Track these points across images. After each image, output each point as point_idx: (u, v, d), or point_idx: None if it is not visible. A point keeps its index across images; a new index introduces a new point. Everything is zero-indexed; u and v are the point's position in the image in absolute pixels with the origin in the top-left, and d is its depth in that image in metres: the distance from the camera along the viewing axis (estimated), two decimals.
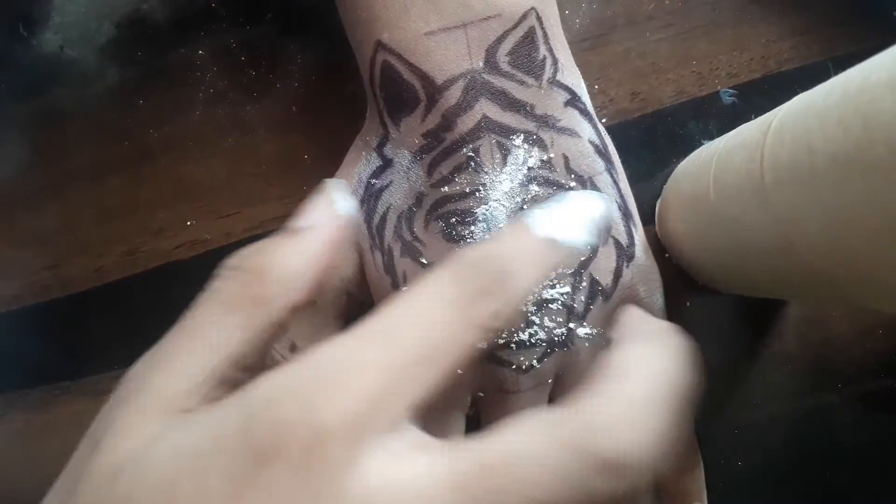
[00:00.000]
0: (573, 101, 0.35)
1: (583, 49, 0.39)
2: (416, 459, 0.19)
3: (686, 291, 0.37)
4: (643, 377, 0.22)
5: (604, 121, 0.39)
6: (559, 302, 0.34)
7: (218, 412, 0.20)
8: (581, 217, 0.26)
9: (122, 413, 0.22)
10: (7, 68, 0.43)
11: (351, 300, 0.37)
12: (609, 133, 0.38)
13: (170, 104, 0.42)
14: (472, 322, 0.21)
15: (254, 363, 0.23)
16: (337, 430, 0.18)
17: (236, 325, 0.22)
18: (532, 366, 0.33)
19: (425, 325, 0.21)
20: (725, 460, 0.37)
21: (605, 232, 0.30)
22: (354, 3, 0.33)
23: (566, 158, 0.34)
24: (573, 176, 0.34)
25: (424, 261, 0.34)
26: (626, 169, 0.38)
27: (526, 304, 0.33)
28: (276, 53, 0.41)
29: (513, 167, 0.33)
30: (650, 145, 0.38)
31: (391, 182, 0.35)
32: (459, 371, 0.21)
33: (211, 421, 0.20)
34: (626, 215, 0.35)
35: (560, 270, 0.27)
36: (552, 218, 0.25)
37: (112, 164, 0.42)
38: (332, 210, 0.25)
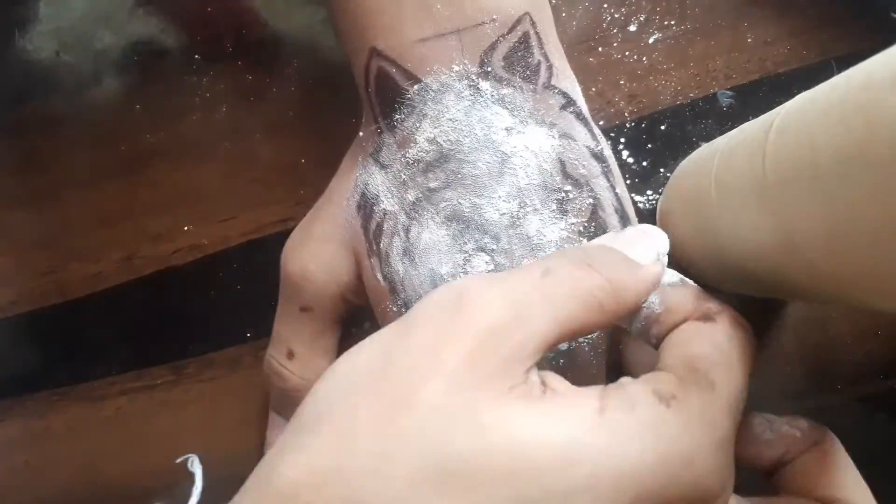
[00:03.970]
0: (568, 105, 0.34)
1: (580, 51, 0.39)
2: None
3: None
4: None
5: (601, 123, 0.39)
6: None
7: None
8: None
9: None
10: (3, 73, 0.43)
11: (348, 306, 0.37)
12: (606, 135, 0.38)
13: (166, 109, 0.42)
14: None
15: None
16: None
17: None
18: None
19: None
20: None
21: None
22: (348, 11, 0.33)
23: (562, 163, 0.34)
24: (569, 180, 0.34)
25: (420, 266, 0.34)
26: (624, 171, 0.38)
27: None
28: (273, 58, 0.41)
29: (508, 172, 0.33)
30: (648, 147, 0.38)
31: (387, 188, 0.35)
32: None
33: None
34: (623, 218, 0.35)
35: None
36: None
37: (109, 170, 0.42)
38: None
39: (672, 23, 0.39)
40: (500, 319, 0.23)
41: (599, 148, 0.35)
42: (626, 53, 0.39)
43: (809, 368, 0.37)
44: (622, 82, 0.39)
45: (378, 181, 0.35)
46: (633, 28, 0.39)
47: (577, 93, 0.35)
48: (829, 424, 0.37)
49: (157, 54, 0.42)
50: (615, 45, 0.39)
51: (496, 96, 0.33)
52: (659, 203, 0.38)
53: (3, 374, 0.43)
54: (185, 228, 0.41)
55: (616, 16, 0.39)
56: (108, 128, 0.42)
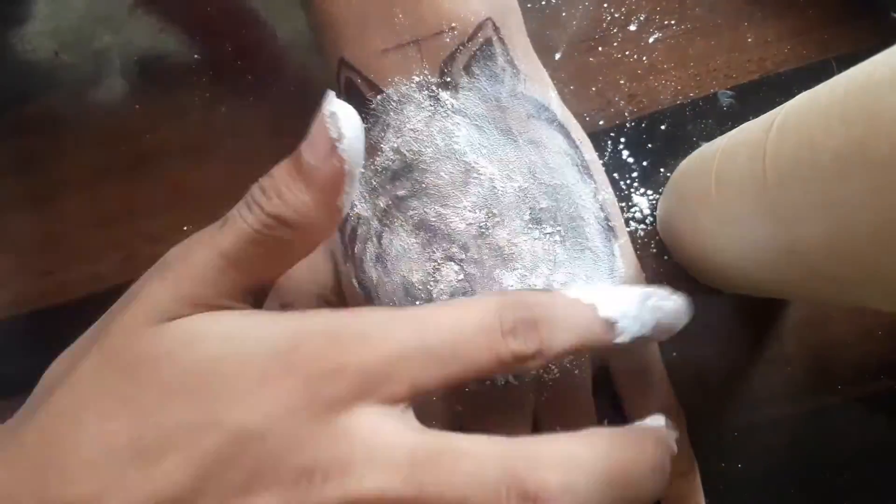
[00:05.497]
0: (538, 112, 0.34)
1: (580, 51, 0.39)
2: (392, 425, 0.23)
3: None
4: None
5: (601, 123, 0.39)
6: None
7: (272, 323, 0.24)
8: (641, 309, 0.28)
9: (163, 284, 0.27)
10: (3, 73, 0.42)
11: (332, 307, 0.37)
12: (606, 135, 0.38)
13: (166, 109, 0.42)
14: (493, 350, 0.24)
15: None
16: (350, 376, 0.23)
17: (261, 254, 0.26)
18: (508, 381, 0.33)
19: (455, 333, 0.24)
20: (725, 462, 0.37)
21: (666, 332, 0.30)
22: (321, 23, 0.33)
23: (532, 172, 0.33)
24: (542, 189, 0.33)
25: (393, 273, 0.34)
26: (624, 171, 0.38)
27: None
28: (273, 57, 0.41)
29: (473, 182, 0.33)
30: (648, 147, 0.38)
31: (360, 192, 0.35)
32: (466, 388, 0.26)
33: (266, 325, 0.24)
34: (605, 228, 0.35)
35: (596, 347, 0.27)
36: (610, 298, 0.27)
37: (108, 170, 0.42)
38: (336, 152, 0.25)
39: (672, 22, 0.39)
40: None
41: (578, 154, 0.35)
42: (626, 53, 0.39)
43: (809, 369, 0.37)
44: (622, 82, 0.39)
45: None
46: (633, 28, 0.39)
47: (549, 98, 0.35)
48: (830, 424, 0.37)
49: (156, 54, 0.42)
50: (615, 45, 0.39)
51: (457, 106, 0.33)
52: (659, 203, 0.38)
53: (3, 374, 0.43)
54: (185, 229, 0.41)
55: (616, 16, 0.39)
56: (107, 128, 0.42)
